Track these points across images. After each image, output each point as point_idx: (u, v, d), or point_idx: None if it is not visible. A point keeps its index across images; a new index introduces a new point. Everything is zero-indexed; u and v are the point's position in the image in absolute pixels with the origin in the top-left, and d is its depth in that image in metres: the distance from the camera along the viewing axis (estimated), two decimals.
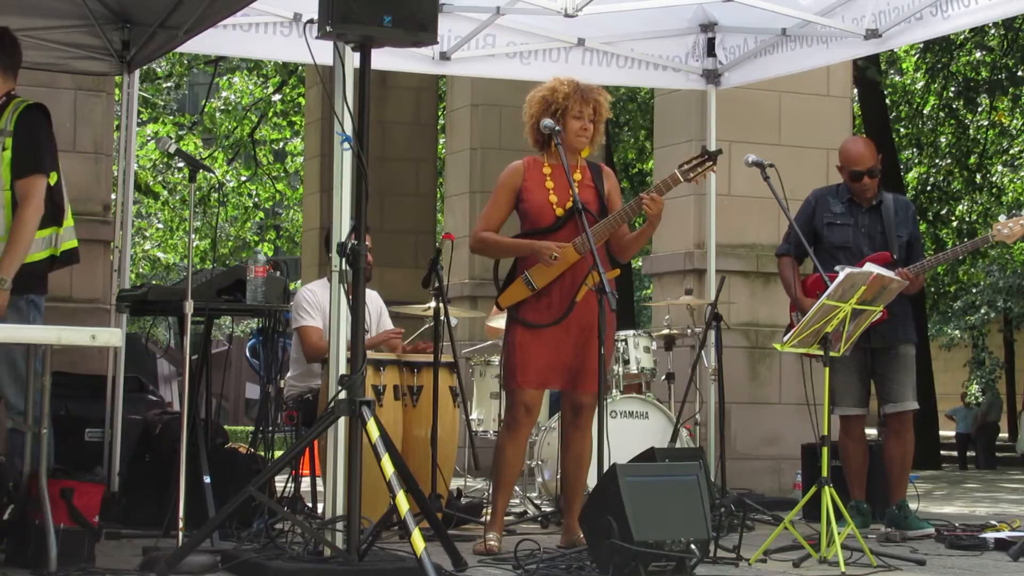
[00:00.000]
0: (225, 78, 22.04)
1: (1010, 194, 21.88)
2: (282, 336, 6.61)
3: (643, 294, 26.43)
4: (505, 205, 5.98)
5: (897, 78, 20.05)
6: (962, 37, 17.41)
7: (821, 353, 5.66)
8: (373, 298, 7.25)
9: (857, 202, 6.98)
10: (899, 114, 20.08)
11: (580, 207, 5.68)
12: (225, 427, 7.98)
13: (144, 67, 10.29)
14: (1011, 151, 21.34)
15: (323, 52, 5.47)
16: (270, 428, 6.56)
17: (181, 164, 20.68)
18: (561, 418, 6.12)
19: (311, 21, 5.13)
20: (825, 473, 5.52)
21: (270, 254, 24.74)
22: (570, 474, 6.03)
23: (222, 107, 22.51)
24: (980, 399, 26.11)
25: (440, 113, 17.44)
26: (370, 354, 6.05)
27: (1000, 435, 22.54)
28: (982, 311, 25.09)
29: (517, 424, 5.89)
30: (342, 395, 4.98)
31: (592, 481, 5.54)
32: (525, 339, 5.84)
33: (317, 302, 7.07)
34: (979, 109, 19.85)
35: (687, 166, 5.82)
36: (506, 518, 6.65)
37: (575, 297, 5.82)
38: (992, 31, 17.93)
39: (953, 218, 20.82)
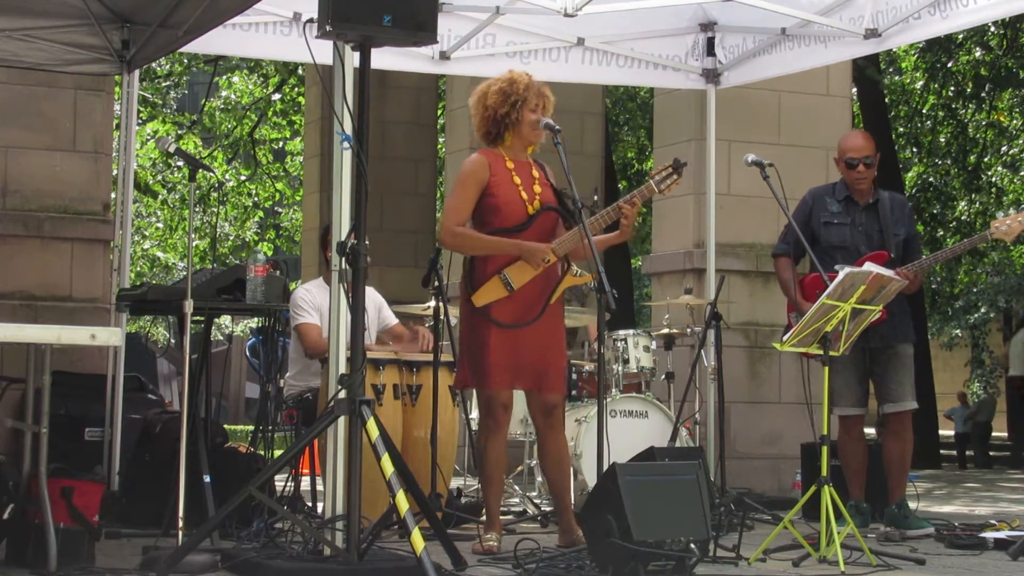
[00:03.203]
0: (225, 77, 22.02)
1: (1010, 195, 21.84)
2: (282, 335, 6.62)
3: (644, 292, 26.42)
4: (473, 198, 5.83)
5: (896, 77, 20.02)
6: (961, 36, 17.39)
7: (820, 352, 5.66)
8: (371, 295, 7.25)
9: (854, 200, 6.97)
10: (898, 113, 20.05)
11: (579, 206, 5.66)
12: (225, 427, 7.97)
13: (144, 66, 10.28)
14: (1011, 151, 21.30)
15: (323, 52, 5.47)
16: (270, 427, 6.56)
17: (181, 163, 20.66)
18: (533, 423, 6.07)
19: (311, 20, 5.13)
20: (825, 473, 5.52)
21: (270, 254, 24.71)
22: (554, 475, 5.99)
23: (222, 106, 22.50)
24: (983, 396, 26.10)
25: (440, 113, 17.43)
26: (369, 353, 6.05)
27: (995, 434, 22.45)
28: (983, 310, 25.04)
29: (498, 425, 5.85)
30: (342, 394, 4.99)
31: (592, 481, 5.55)
32: (498, 340, 5.76)
33: (314, 300, 7.09)
34: (979, 108, 19.80)
35: (659, 176, 5.87)
36: (506, 517, 6.65)
37: (550, 299, 5.81)
38: (992, 30, 17.91)
39: (951, 219, 20.76)
